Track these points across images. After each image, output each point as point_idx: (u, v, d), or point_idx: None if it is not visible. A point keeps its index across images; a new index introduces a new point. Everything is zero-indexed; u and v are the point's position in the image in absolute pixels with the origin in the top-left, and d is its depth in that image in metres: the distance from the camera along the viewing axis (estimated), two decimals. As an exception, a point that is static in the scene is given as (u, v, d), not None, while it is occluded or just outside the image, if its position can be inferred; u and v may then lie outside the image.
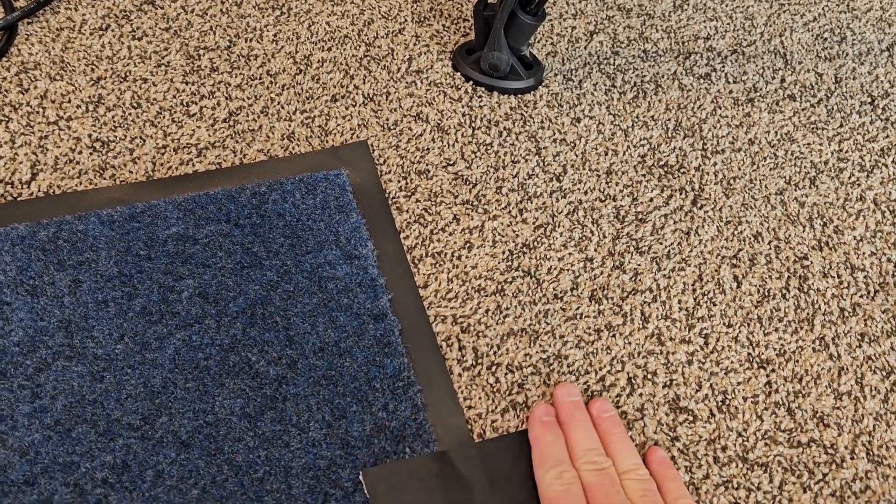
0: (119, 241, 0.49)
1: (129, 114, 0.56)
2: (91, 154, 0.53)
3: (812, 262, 0.56)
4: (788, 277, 0.55)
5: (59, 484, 0.41)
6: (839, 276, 0.55)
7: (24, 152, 0.53)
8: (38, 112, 0.55)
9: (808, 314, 0.53)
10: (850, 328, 0.53)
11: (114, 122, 0.55)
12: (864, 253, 0.56)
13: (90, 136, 0.54)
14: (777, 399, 0.49)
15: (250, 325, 0.47)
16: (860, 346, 0.52)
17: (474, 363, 0.48)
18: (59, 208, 0.50)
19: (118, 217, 0.50)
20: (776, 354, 0.51)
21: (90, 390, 0.44)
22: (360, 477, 0.43)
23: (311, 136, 0.57)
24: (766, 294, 0.54)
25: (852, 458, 0.47)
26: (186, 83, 0.59)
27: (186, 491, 0.42)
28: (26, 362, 0.44)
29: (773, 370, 0.50)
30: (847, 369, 0.51)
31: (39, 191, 0.51)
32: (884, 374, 0.51)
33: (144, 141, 0.55)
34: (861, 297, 0.54)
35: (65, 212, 0.50)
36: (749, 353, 0.51)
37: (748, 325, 0.52)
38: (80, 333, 0.45)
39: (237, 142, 0.56)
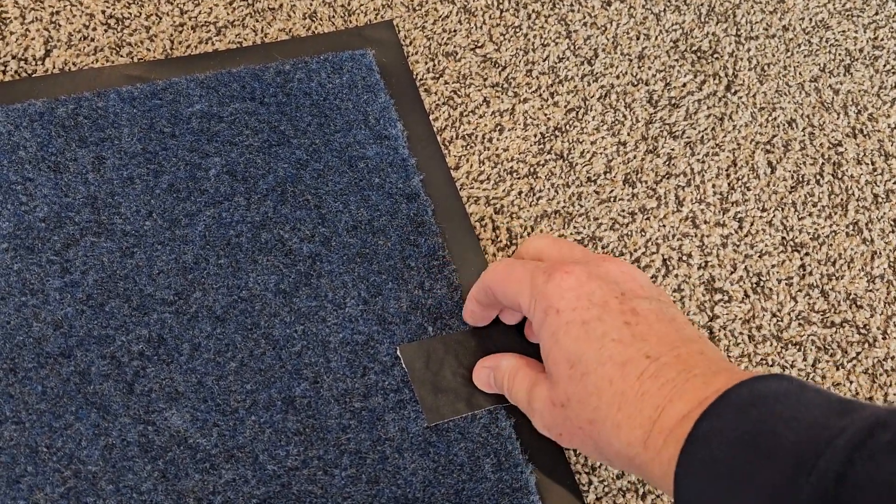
0: (141, 118, 0.47)
1: (143, -10, 0.53)
2: (106, 31, 0.51)
3: (846, 149, 0.55)
4: (822, 164, 0.54)
5: (96, 356, 0.40)
6: (873, 163, 0.54)
7: (35, 28, 0.50)
8: (47, -13, 0.53)
9: (841, 199, 0.52)
10: (884, 214, 0.52)
11: (127, -2, 0.53)
12: (898, 140, 0.55)
13: (103, 12, 0.52)
14: (811, 281, 0.49)
15: (281, 203, 0.46)
16: (893, 231, 0.51)
17: (508, 243, 0.48)
18: (77, 85, 0.48)
19: (139, 94, 0.48)
20: (810, 238, 0.51)
21: (121, 266, 0.43)
22: (398, 352, 0.42)
23: (333, 16, 0.54)
24: (801, 179, 0.53)
25: (884, 339, 0.47)
26: (201, -40, 0.56)
27: (224, 364, 0.41)
28: (53, 238, 0.43)
29: (806, 253, 0.50)
30: (880, 253, 0.51)
31: (54, 67, 0.49)
32: (918, 257, 0.50)
33: (161, 18, 0.52)
34: (894, 183, 0.53)
35: (82, 89, 0.48)
36: (783, 237, 0.50)
37: (782, 209, 0.51)
38: (107, 210, 0.44)
39: (257, 20, 0.53)
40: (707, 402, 0.30)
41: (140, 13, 0.52)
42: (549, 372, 0.36)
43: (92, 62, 0.50)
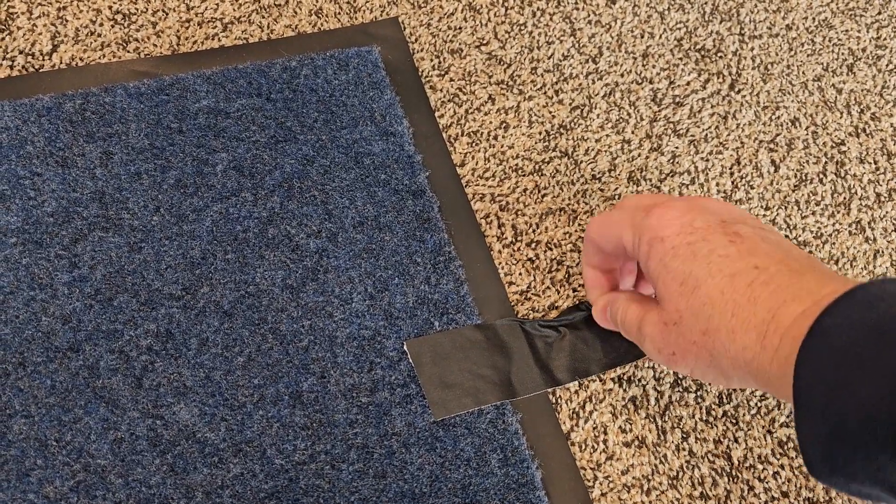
0: (148, 113, 0.47)
1: (150, -14, 0.54)
2: (113, 26, 0.51)
3: (849, 148, 0.55)
4: (825, 163, 0.54)
5: (104, 351, 0.41)
6: (875, 163, 0.55)
7: (42, 23, 0.51)
8: (53, -18, 0.53)
9: (844, 199, 0.53)
10: (886, 213, 0.52)
11: (134, -6, 0.53)
12: (901, 139, 0.56)
13: (110, 7, 0.52)
14: (814, 279, 0.49)
15: (288, 199, 0.46)
16: (896, 230, 0.52)
17: (514, 240, 0.48)
18: (84, 80, 0.48)
19: (146, 90, 0.48)
20: (813, 237, 0.51)
21: (129, 261, 0.43)
22: (405, 347, 0.43)
23: (339, 13, 0.54)
24: (804, 178, 0.53)
25: (887, 336, 0.48)
26: (207, -44, 0.56)
27: (232, 359, 0.41)
28: (62, 232, 0.43)
29: (810, 252, 0.50)
30: (882, 252, 0.51)
31: (62, 62, 0.49)
32: (920, 256, 0.51)
33: (167, 14, 0.52)
34: (897, 182, 0.54)
35: (90, 84, 0.48)
36: (787, 236, 0.51)
37: (785, 207, 0.52)
38: (115, 205, 0.44)
39: (263, 17, 0.53)
40: (823, 302, 0.30)
41: (147, 9, 0.52)
42: (659, 297, 0.37)
43: (99, 57, 0.50)
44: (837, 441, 0.27)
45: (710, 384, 0.44)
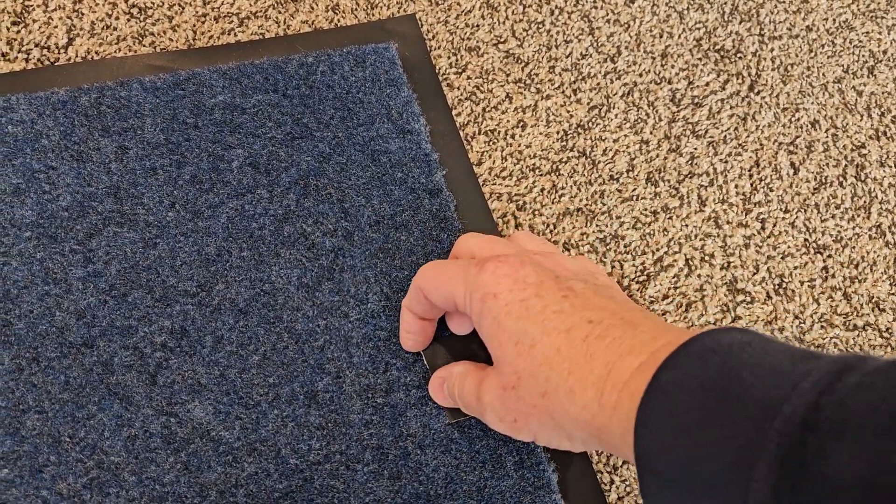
0: (164, 108, 0.47)
1: (166, -20, 0.53)
2: (128, 20, 0.51)
3: (869, 151, 0.54)
4: (846, 165, 0.54)
5: (119, 347, 0.40)
6: (896, 166, 0.54)
7: (58, 16, 0.50)
8: (69, -25, 0.52)
9: (864, 202, 0.52)
10: (907, 217, 0.52)
11: (150, -12, 0.53)
12: (922, 143, 0.55)
13: (126, 1, 0.52)
14: (833, 284, 0.49)
15: (304, 196, 0.46)
16: (916, 235, 0.51)
17: (531, 241, 0.47)
18: (100, 74, 0.48)
19: (161, 84, 0.48)
20: (833, 241, 0.50)
21: (143, 256, 0.43)
22: (423, 359, 0.42)
23: (356, 9, 0.54)
24: (823, 181, 0.53)
25: (907, 343, 0.47)
26: (223, -50, 0.56)
27: (247, 357, 0.41)
28: (76, 227, 0.43)
29: (829, 256, 0.50)
30: (903, 257, 0.50)
31: (77, 56, 0.49)
32: (941, 261, 0.50)
33: (183, 8, 0.52)
34: (918, 186, 0.53)
35: (105, 78, 0.48)
36: (806, 239, 0.50)
37: (805, 210, 0.51)
38: (130, 200, 0.44)
39: (279, 12, 0.53)
40: (659, 355, 0.29)
41: (163, 3, 0.52)
42: (496, 359, 0.36)
43: (115, 51, 0.50)
44: None
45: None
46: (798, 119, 0.55)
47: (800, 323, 0.47)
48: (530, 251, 0.39)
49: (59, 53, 0.49)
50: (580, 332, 0.32)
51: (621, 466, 0.42)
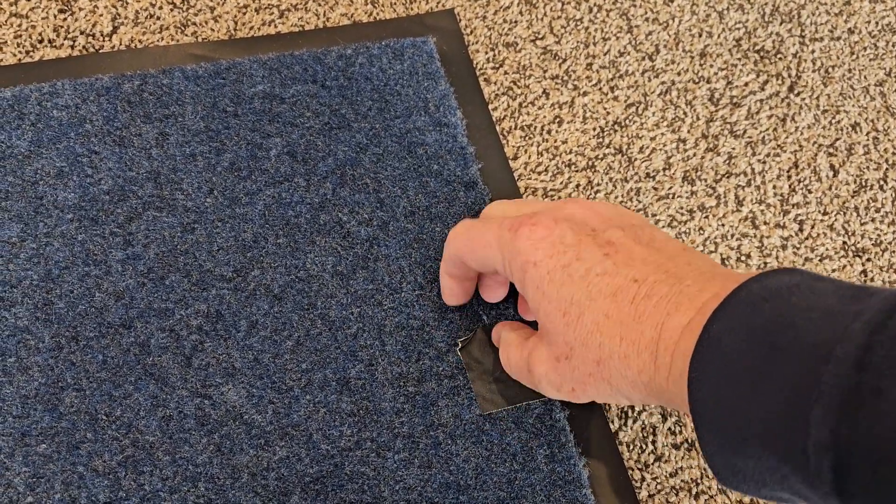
0: (205, 96, 0.48)
1: (209, -29, 0.54)
2: (171, 10, 0.52)
3: (911, 155, 0.53)
4: (886, 169, 0.53)
5: (155, 328, 0.41)
6: (939, 171, 0.53)
7: (103, 5, 0.51)
8: (115, -35, 0.53)
9: (905, 206, 0.51)
10: (949, 223, 0.51)
11: (193, -21, 0.53)
12: (966, 148, 0.54)
13: (170, -9, 0.52)
14: (872, 287, 0.48)
15: (340, 186, 0.46)
16: (959, 241, 0.50)
17: (565, 236, 0.47)
18: (143, 62, 0.49)
19: (203, 73, 0.49)
20: (872, 244, 0.50)
21: (181, 241, 0.43)
22: (458, 350, 0.42)
23: (395, 3, 0.54)
24: (863, 184, 0.52)
25: (947, 349, 0.46)
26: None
27: (281, 342, 0.41)
28: (117, 210, 0.43)
29: (868, 259, 0.49)
30: (944, 263, 0.49)
31: (121, 44, 0.50)
32: (984, 268, 0.49)
33: (225, 0, 0.53)
34: (961, 192, 0.52)
35: (148, 66, 0.49)
36: (844, 242, 0.49)
37: (844, 213, 0.51)
38: (170, 185, 0.45)
39: (319, 5, 0.53)
40: (707, 309, 0.29)
41: (205, -6, 0.53)
42: (544, 329, 0.35)
43: (157, 40, 0.50)
44: (740, 455, 0.27)
45: None
46: (838, 121, 0.54)
47: (837, 326, 0.46)
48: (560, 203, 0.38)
49: (103, 41, 0.50)
50: (627, 295, 0.32)
51: (653, 464, 0.41)
